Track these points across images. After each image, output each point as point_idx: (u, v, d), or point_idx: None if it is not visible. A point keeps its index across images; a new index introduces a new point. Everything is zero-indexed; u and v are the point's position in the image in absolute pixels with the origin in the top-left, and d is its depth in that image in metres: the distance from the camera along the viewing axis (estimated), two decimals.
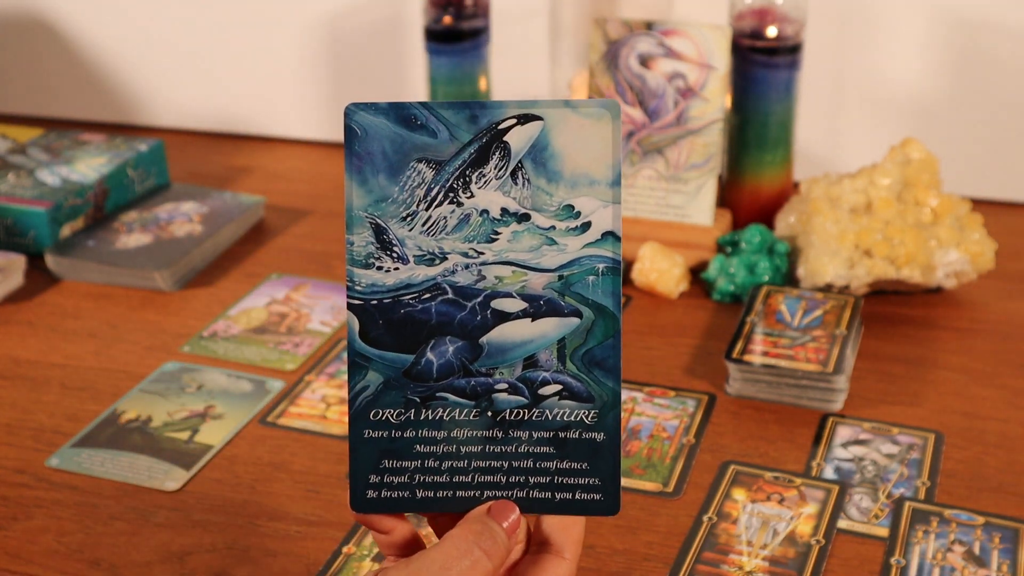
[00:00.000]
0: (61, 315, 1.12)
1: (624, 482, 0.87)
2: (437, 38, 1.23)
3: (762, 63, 1.14)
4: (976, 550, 0.80)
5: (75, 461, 0.91)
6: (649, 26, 1.14)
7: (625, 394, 0.97)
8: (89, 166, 1.27)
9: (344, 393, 0.98)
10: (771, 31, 1.14)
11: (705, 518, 0.83)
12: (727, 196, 1.21)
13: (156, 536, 0.83)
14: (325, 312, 1.11)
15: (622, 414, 0.94)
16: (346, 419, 0.95)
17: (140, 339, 1.07)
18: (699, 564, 0.79)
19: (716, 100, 1.14)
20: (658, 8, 1.32)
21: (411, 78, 1.45)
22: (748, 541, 0.81)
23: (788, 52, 1.14)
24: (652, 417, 0.94)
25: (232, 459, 0.91)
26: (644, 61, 1.15)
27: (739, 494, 0.85)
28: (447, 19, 1.22)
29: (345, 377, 1.00)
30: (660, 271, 1.11)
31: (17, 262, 1.16)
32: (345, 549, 0.81)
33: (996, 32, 1.26)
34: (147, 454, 0.91)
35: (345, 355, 1.03)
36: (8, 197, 1.21)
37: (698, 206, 1.16)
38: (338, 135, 1.51)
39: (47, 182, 1.24)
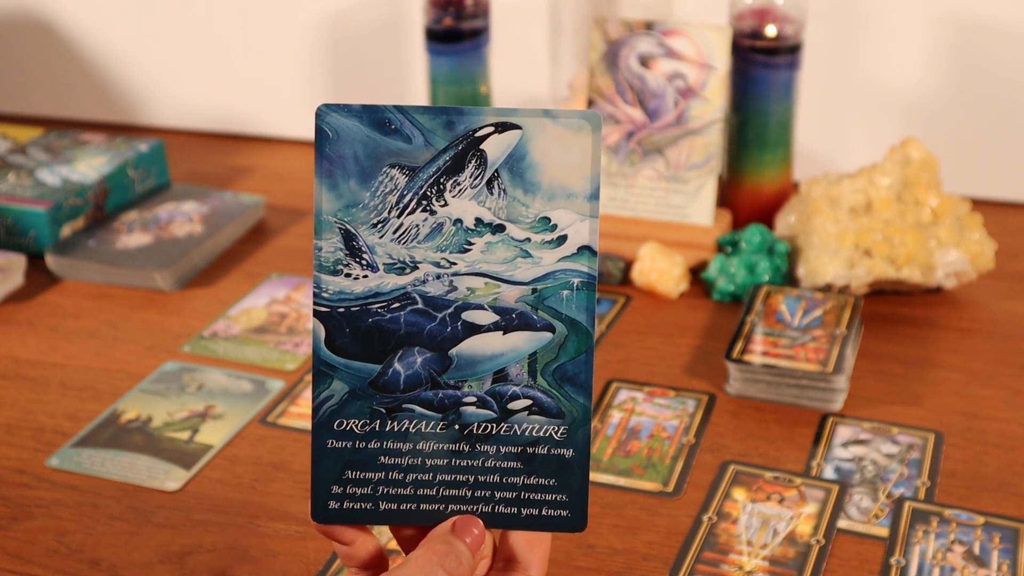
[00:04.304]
0: (61, 315, 1.12)
1: (624, 482, 0.87)
2: (437, 38, 1.23)
3: (762, 63, 1.14)
4: (976, 550, 0.80)
5: (75, 461, 0.91)
6: (649, 26, 1.14)
7: (625, 394, 0.97)
8: (89, 166, 1.27)
9: None
10: (771, 31, 1.14)
11: (705, 518, 0.83)
12: (727, 196, 1.21)
13: (156, 536, 0.83)
14: None
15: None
16: None
17: (140, 339, 1.07)
18: (699, 564, 0.79)
19: (716, 100, 1.14)
20: (658, 8, 1.32)
21: (411, 78, 1.45)
22: (748, 541, 0.81)
23: (788, 52, 1.14)
24: (652, 417, 0.94)
25: (232, 459, 0.91)
26: (644, 61, 1.15)
27: (739, 494, 0.85)
28: (448, 21, 1.22)
29: None
30: (660, 271, 1.11)
31: (17, 262, 1.16)
32: None
33: (996, 32, 1.26)
34: (147, 454, 0.92)
35: None
36: (8, 197, 1.21)
37: (698, 206, 1.16)
38: None
39: (47, 182, 1.24)
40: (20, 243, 1.20)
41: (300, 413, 0.96)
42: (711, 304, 1.12)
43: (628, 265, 1.15)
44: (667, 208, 1.16)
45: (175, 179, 1.37)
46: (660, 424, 0.94)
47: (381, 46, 1.46)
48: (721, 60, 1.13)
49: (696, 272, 1.16)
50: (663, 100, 1.15)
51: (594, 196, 0.55)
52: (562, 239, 0.56)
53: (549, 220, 0.56)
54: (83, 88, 1.58)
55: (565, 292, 0.56)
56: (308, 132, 1.52)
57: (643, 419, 0.94)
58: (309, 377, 1.01)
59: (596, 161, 0.55)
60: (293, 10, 1.46)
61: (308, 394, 0.98)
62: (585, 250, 0.56)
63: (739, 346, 0.98)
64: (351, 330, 0.56)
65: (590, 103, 1.17)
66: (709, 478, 0.88)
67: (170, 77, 1.54)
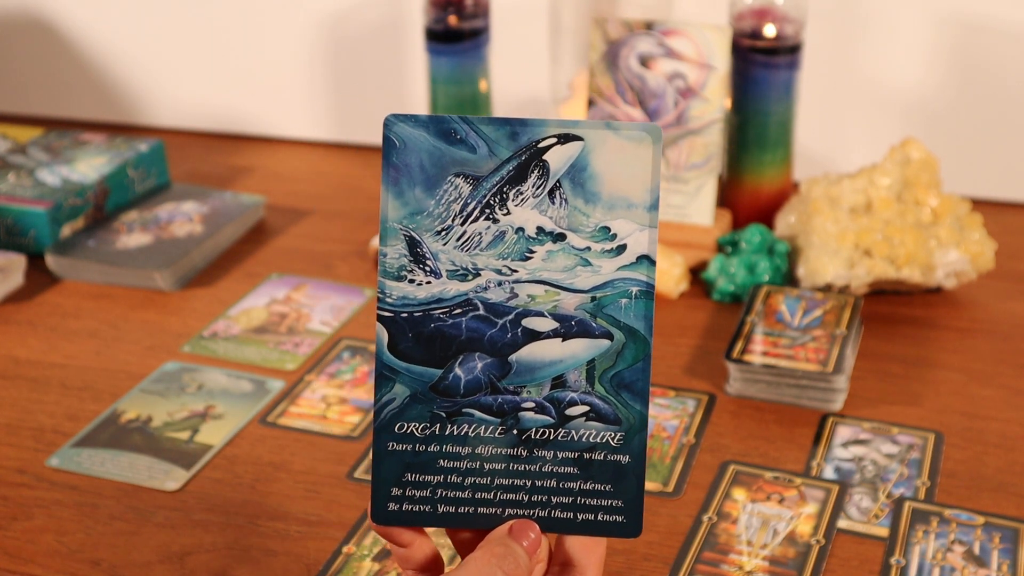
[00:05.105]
0: (61, 315, 1.12)
1: None
2: (437, 38, 1.23)
3: (762, 63, 1.14)
4: (976, 550, 0.80)
5: (75, 461, 0.91)
6: (649, 26, 1.14)
7: None
8: (89, 166, 1.27)
9: (354, 397, 0.98)
10: (771, 31, 1.14)
11: (705, 518, 0.83)
12: (727, 196, 1.21)
13: (156, 536, 0.83)
14: (325, 312, 1.11)
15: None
16: (348, 419, 0.95)
17: (140, 339, 1.07)
18: (699, 564, 0.79)
19: (716, 100, 1.14)
20: (658, 8, 1.32)
21: (411, 78, 1.45)
22: (748, 541, 0.81)
23: (788, 52, 1.14)
24: (652, 417, 0.94)
25: (232, 459, 0.91)
26: (644, 61, 1.15)
27: (739, 494, 0.86)
28: (452, 19, 1.22)
29: (346, 377, 1.00)
30: (660, 271, 1.11)
31: (17, 262, 1.16)
32: (345, 549, 0.81)
33: (996, 32, 1.26)
34: (147, 454, 0.92)
35: (345, 355, 1.03)
36: (8, 197, 1.21)
37: (698, 206, 1.16)
38: (338, 135, 1.51)
39: (47, 182, 1.24)
40: (20, 243, 1.20)
41: (300, 413, 0.96)
42: (711, 304, 1.12)
43: None
44: (667, 208, 1.16)
45: (175, 179, 1.37)
46: (660, 424, 0.94)
47: (381, 46, 1.46)
48: (721, 60, 1.13)
49: (696, 272, 1.16)
50: (663, 100, 1.15)
51: (654, 207, 0.57)
52: (621, 248, 0.57)
53: (609, 230, 0.57)
54: (83, 88, 1.58)
55: (624, 300, 0.57)
56: (308, 132, 1.52)
57: None
58: (309, 377, 1.01)
59: (656, 172, 0.56)
60: (293, 10, 1.46)
61: (307, 394, 0.98)
62: (644, 259, 0.57)
63: (739, 346, 0.98)
64: (413, 335, 0.57)
65: (590, 103, 1.17)
66: (709, 478, 0.88)
67: (170, 77, 1.54)
